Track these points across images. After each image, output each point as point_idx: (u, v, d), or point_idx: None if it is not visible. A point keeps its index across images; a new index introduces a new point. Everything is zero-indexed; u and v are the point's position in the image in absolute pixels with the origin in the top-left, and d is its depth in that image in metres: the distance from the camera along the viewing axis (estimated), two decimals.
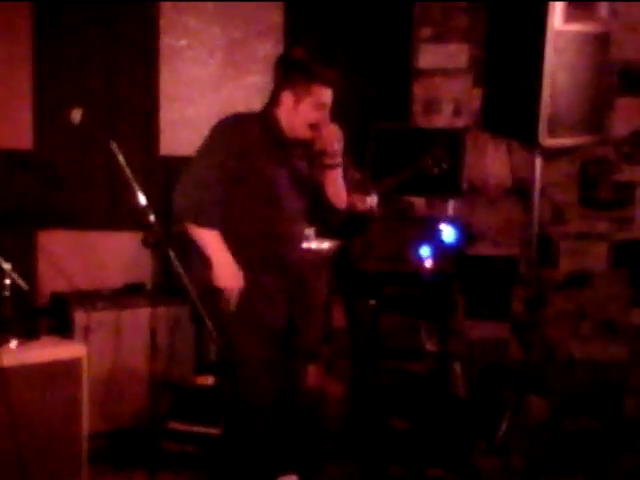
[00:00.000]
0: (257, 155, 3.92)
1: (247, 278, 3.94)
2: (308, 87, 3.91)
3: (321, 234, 4.80)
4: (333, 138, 3.98)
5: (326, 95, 3.95)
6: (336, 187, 4.14)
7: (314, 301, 4.64)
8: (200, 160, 3.95)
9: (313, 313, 4.66)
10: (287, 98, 3.94)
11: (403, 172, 4.77)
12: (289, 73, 3.96)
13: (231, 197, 3.93)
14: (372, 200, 4.68)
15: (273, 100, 4.01)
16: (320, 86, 3.92)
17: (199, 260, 3.95)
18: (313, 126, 3.94)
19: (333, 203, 4.18)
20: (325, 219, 4.39)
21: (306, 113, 3.94)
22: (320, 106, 3.95)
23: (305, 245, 4.57)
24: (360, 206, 4.63)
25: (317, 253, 4.75)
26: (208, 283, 3.91)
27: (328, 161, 4.02)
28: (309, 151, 4.05)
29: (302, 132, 3.97)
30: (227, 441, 4.14)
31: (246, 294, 3.93)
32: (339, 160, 4.07)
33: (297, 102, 3.93)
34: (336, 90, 3.99)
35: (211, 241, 3.92)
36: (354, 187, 4.57)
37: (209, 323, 3.55)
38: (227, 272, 3.92)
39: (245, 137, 3.92)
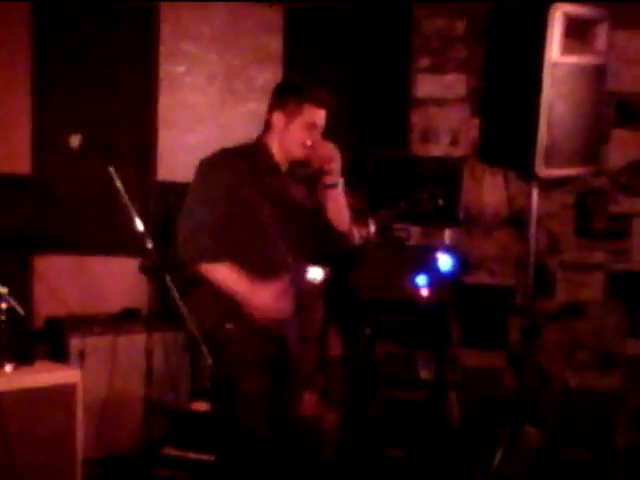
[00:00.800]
0: (244, 187, 3.90)
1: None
2: (299, 107, 3.88)
3: (316, 263, 4.78)
4: (329, 156, 3.96)
5: (318, 115, 3.92)
6: (337, 207, 4.12)
7: (308, 332, 4.64)
8: (193, 203, 3.92)
9: (308, 342, 4.66)
10: (278, 119, 3.91)
11: (399, 206, 4.78)
12: (281, 95, 3.95)
13: (226, 231, 3.91)
14: (368, 231, 4.68)
15: (265, 126, 3.99)
16: (311, 106, 3.89)
17: (206, 304, 3.92)
18: (307, 146, 3.93)
19: (335, 225, 4.17)
20: (326, 244, 4.38)
21: (298, 133, 3.91)
22: (312, 126, 3.91)
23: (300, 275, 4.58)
24: (357, 237, 4.63)
25: (312, 283, 4.73)
26: (216, 328, 3.89)
27: (327, 180, 4.01)
28: (307, 172, 4.03)
29: (296, 152, 3.94)
30: (221, 468, 4.12)
31: (243, 325, 3.91)
32: (338, 179, 4.06)
33: (288, 122, 3.89)
34: (329, 112, 3.98)
35: (231, 277, 3.85)
36: (352, 217, 4.58)
37: (204, 348, 3.55)
38: (270, 305, 3.88)
39: (231, 171, 3.90)
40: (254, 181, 3.92)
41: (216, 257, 3.86)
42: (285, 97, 3.92)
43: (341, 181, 4.08)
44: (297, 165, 4.01)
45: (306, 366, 4.19)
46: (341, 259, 4.80)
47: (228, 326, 3.89)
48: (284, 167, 4.01)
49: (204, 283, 3.91)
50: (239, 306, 3.86)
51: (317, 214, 4.06)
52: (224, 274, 3.85)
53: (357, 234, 4.59)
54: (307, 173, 4.01)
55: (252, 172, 3.92)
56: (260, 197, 3.92)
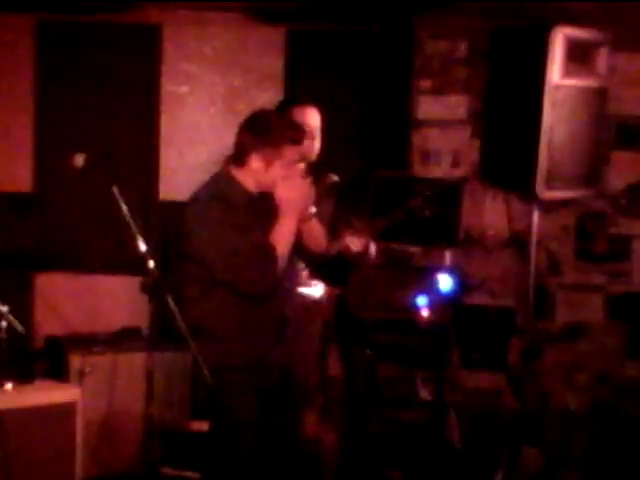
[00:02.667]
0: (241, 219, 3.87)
1: (246, 329, 3.92)
2: (278, 150, 3.82)
3: (315, 278, 4.79)
4: (302, 196, 3.93)
5: (297, 152, 3.89)
6: (312, 235, 4.14)
7: (307, 348, 4.64)
8: (220, 243, 3.86)
9: (307, 359, 4.66)
10: (257, 162, 3.84)
11: (394, 213, 4.78)
12: (256, 138, 3.85)
13: None
14: (365, 243, 4.68)
15: (237, 161, 3.90)
16: (290, 146, 3.85)
17: (210, 336, 3.91)
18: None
19: (312, 249, 4.18)
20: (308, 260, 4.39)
21: (277, 173, 3.85)
22: (292, 163, 3.89)
23: (298, 291, 4.59)
24: (353, 249, 4.64)
25: (310, 299, 4.74)
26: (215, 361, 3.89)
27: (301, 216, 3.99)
28: (270, 205, 3.93)
29: (271, 188, 3.90)
30: None
31: (243, 349, 3.90)
32: (311, 212, 4.06)
33: (268, 165, 3.83)
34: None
35: (281, 231, 3.87)
36: (349, 230, 4.59)
37: (203, 367, 3.55)
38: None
39: (222, 214, 3.86)
40: (241, 217, 3.87)
41: (274, 267, 3.82)
42: (261, 141, 3.83)
43: (313, 210, 4.08)
44: (257, 199, 3.94)
45: (307, 381, 4.19)
46: (336, 274, 4.80)
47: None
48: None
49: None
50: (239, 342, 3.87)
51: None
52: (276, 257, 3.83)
53: (354, 246, 4.60)
54: (267, 206, 3.93)
55: (235, 210, 3.86)
56: (251, 228, 3.87)
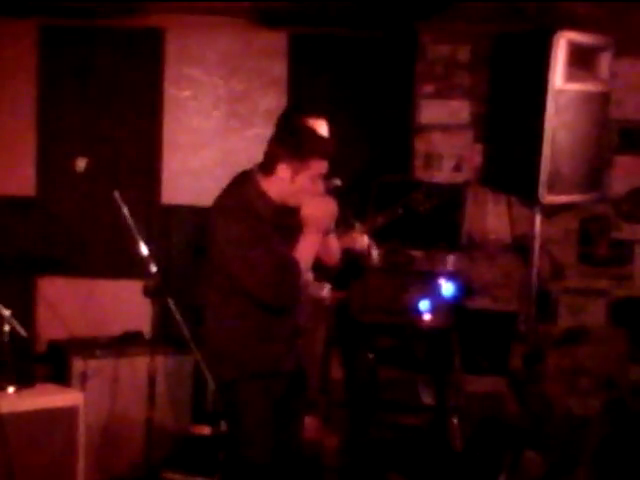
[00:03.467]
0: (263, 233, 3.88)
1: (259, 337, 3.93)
2: (307, 161, 3.82)
3: (319, 279, 4.79)
4: (327, 213, 3.95)
5: (324, 167, 3.88)
6: (328, 250, 4.14)
7: (312, 350, 4.64)
8: (245, 255, 3.81)
9: (312, 363, 4.66)
10: (284, 171, 3.83)
11: (395, 209, 4.77)
12: (288, 147, 3.85)
13: None
14: (364, 240, 4.67)
15: (265, 170, 3.90)
16: (318, 159, 3.85)
17: (226, 344, 3.92)
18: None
19: (324, 262, 4.18)
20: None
21: (303, 185, 3.85)
22: (318, 177, 3.90)
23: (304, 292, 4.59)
24: (358, 246, 4.63)
25: (315, 300, 4.74)
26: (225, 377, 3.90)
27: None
28: (291, 221, 3.92)
29: (293, 201, 3.91)
30: None
31: (258, 358, 3.91)
32: (331, 228, 4.07)
33: (294, 174, 3.82)
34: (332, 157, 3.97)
35: (304, 247, 3.87)
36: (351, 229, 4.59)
37: (207, 373, 3.56)
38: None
39: (254, 221, 3.87)
40: (266, 230, 3.87)
41: (295, 279, 3.82)
42: (291, 152, 3.84)
43: (333, 227, 4.08)
44: (282, 213, 3.94)
45: (310, 383, 4.19)
46: (340, 278, 4.80)
47: None
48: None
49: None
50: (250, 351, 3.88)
51: None
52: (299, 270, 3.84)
53: (359, 244, 4.59)
54: (291, 222, 3.93)
55: (261, 223, 3.87)
56: (275, 242, 3.88)
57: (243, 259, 3.78)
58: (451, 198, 5.33)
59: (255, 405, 3.86)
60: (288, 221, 3.91)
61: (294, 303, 3.88)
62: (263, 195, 3.89)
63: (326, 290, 4.73)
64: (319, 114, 4.58)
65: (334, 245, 4.17)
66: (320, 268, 4.28)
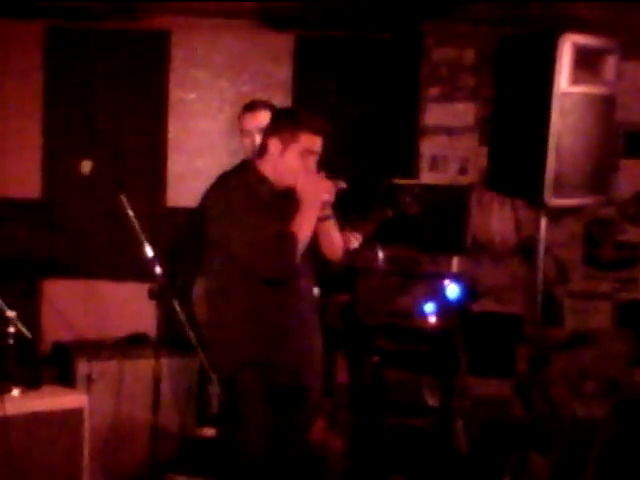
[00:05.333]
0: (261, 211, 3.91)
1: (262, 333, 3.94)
2: (295, 134, 3.88)
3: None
4: (324, 188, 3.95)
5: (314, 142, 3.91)
6: (329, 239, 4.13)
7: (315, 343, 4.63)
8: (242, 225, 3.86)
9: (314, 361, 4.65)
10: (274, 145, 3.91)
11: (385, 212, 4.77)
12: (277, 122, 3.98)
13: None
14: (358, 238, 4.66)
15: (260, 151, 4.00)
16: (307, 133, 3.88)
17: (221, 343, 3.93)
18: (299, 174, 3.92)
19: (327, 255, 4.17)
20: (320, 270, 4.38)
21: (293, 160, 3.89)
22: (307, 153, 3.89)
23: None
24: (354, 244, 4.62)
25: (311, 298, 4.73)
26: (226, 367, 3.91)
27: (320, 213, 3.99)
28: (288, 204, 3.96)
29: (288, 179, 3.92)
30: None
31: (257, 345, 3.92)
32: (329, 212, 4.06)
33: (284, 149, 3.89)
34: (325, 139, 3.97)
35: (301, 220, 3.89)
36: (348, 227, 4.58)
37: (213, 375, 3.56)
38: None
39: (252, 198, 3.91)
40: (265, 207, 3.92)
41: (292, 252, 3.85)
42: (281, 124, 3.94)
43: (332, 212, 4.08)
44: (282, 197, 3.98)
45: (314, 386, 4.19)
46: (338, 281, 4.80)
47: None
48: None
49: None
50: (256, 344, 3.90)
51: (311, 241, 4.01)
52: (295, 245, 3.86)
53: (354, 242, 4.58)
54: (288, 205, 3.96)
55: (260, 201, 3.92)
56: (273, 218, 3.91)
57: (240, 226, 3.82)
58: (456, 201, 5.32)
59: (253, 394, 3.87)
60: (288, 205, 3.93)
61: (289, 274, 3.89)
62: (264, 179, 3.95)
63: (315, 291, 4.72)
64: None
65: (336, 235, 4.15)
66: (323, 264, 4.27)
